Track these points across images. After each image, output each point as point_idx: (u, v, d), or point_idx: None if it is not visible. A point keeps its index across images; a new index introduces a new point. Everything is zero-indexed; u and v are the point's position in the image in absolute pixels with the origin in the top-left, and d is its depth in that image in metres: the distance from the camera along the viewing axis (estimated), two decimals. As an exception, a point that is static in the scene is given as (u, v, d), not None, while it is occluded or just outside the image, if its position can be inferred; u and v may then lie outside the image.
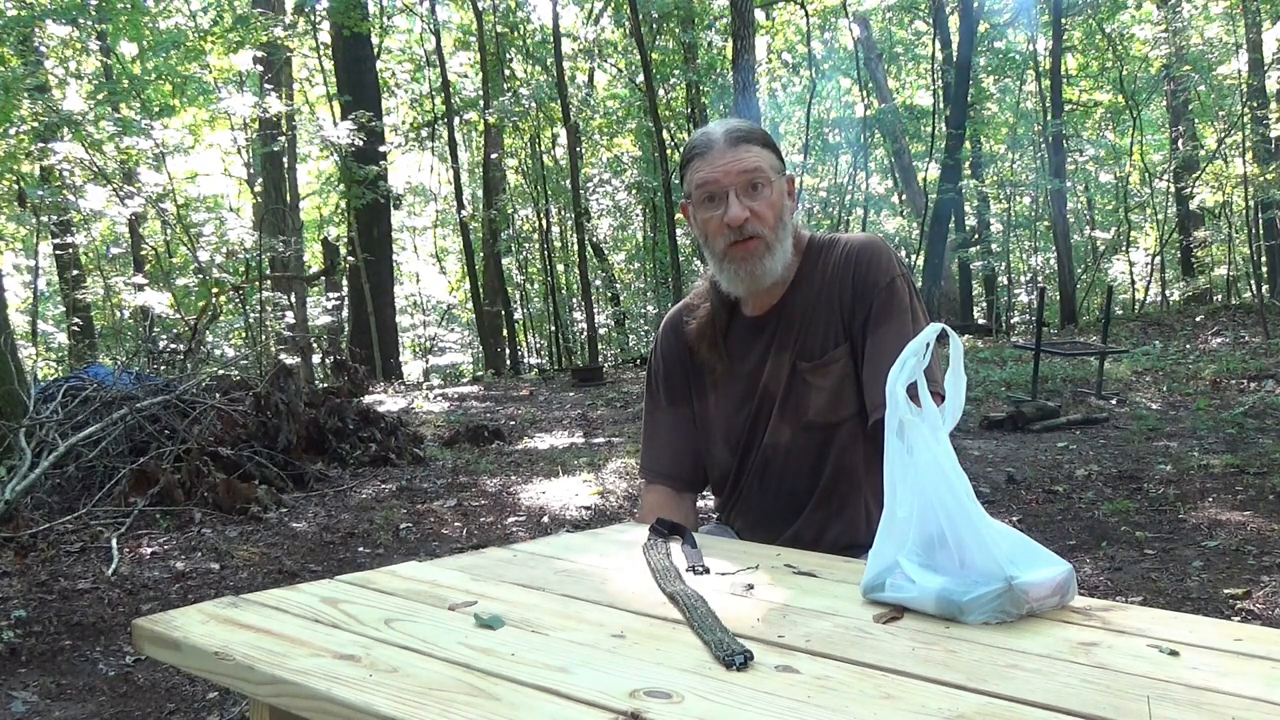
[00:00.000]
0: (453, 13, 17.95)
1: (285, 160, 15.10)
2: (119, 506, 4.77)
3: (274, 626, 1.14)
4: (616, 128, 18.81)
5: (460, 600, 1.22)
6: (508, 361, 15.78)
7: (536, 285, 19.87)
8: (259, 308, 13.05)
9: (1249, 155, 14.06)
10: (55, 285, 16.32)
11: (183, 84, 13.16)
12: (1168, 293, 17.82)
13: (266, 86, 12.68)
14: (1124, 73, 17.12)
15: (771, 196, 1.68)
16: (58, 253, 14.73)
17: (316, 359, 13.41)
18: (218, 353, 10.87)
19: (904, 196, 18.89)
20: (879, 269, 1.69)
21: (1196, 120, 17.03)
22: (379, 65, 15.94)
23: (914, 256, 16.95)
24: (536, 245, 18.62)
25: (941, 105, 17.36)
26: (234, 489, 4.91)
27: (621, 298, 20.03)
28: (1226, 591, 3.32)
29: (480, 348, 17.03)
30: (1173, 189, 17.19)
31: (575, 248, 16.02)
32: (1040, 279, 18.62)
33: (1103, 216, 20.58)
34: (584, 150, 17.85)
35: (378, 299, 13.57)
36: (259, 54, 13.05)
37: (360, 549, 4.35)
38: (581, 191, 15.74)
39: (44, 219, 13.23)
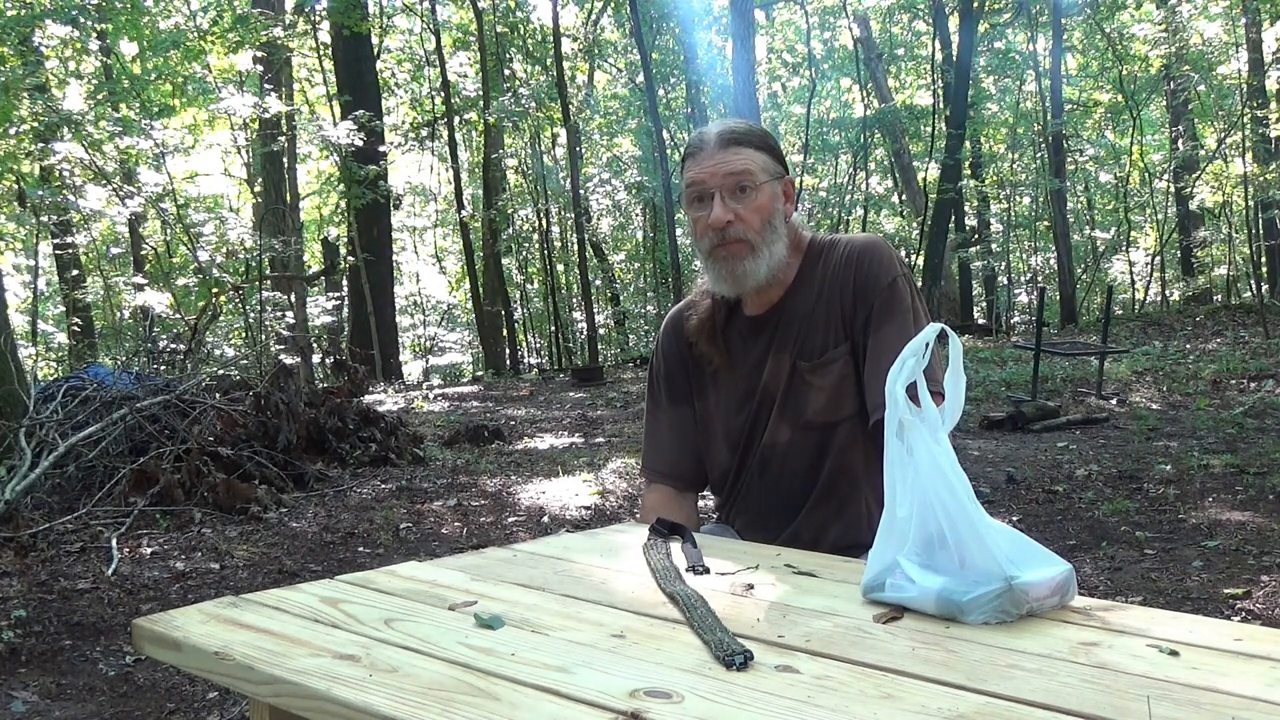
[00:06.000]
0: (453, 13, 17.95)
1: (285, 160, 15.11)
2: (119, 506, 4.76)
3: (274, 626, 1.14)
4: (616, 128, 18.81)
5: (460, 600, 1.22)
6: (508, 361, 15.78)
7: (536, 285, 19.86)
8: (259, 308, 13.05)
9: (1249, 155, 14.06)
10: (55, 285, 16.33)
11: (183, 84, 13.17)
12: (1168, 293, 17.82)
13: (266, 86, 12.68)
14: (1124, 73, 17.11)
15: (759, 200, 1.67)
16: (58, 253, 14.74)
17: (316, 359, 13.40)
18: (218, 353, 10.86)
19: (904, 196, 18.88)
20: (880, 269, 1.69)
21: (1196, 120, 17.03)
22: (379, 65, 15.94)
23: (914, 256, 16.94)
24: (536, 245, 18.61)
25: (941, 105, 17.36)
26: (234, 489, 4.91)
27: (621, 298, 20.02)
28: (1226, 591, 3.31)
29: (480, 348, 17.02)
30: (1173, 189, 17.19)
31: (575, 248, 16.03)
32: (1040, 279, 18.61)
33: (1103, 216, 20.57)
34: (584, 150, 17.85)
35: (378, 299, 13.58)
36: (259, 54, 13.05)
37: (360, 549, 4.35)
38: (581, 191, 15.74)
39: (44, 219, 13.24)
